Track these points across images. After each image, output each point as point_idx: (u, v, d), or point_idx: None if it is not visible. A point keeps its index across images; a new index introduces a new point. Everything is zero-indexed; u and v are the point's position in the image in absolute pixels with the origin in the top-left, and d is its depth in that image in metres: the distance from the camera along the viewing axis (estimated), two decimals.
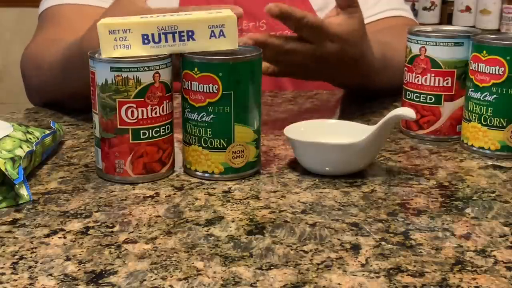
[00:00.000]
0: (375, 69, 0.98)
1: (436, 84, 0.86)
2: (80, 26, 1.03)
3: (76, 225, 0.62)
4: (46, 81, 1.00)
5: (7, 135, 0.73)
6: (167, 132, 0.73)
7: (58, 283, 0.52)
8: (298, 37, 0.86)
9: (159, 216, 0.64)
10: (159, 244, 0.58)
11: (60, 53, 0.94)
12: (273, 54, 0.85)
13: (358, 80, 1.00)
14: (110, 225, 0.62)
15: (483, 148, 0.82)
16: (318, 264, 0.55)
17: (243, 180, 0.74)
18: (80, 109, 0.98)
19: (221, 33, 0.72)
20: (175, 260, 0.55)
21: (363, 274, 0.53)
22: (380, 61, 1.02)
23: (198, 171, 0.74)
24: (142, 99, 0.70)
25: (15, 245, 0.58)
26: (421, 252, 0.57)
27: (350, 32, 0.88)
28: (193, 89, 0.71)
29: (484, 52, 0.80)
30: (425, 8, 2.63)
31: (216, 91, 0.70)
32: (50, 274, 0.53)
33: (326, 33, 0.86)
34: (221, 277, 0.53)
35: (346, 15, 0.88)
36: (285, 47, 0.85)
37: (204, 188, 0.71)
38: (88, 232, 0.61)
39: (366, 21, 1.18)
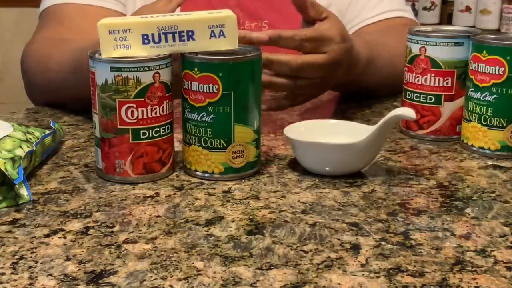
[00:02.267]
0: (362, 62, 0.97)
1: (436, 84, 0.86)
2: (82, 25, 1.03)
3: (76, 225, 0.62)
4: (54, 81, 0.99)
5: (7, 135, 0.73)
6: (167, 132, 0.73)
7: (58, 283, 0.52)
8: (305, 53, 0.85)
9: (159, 216, 0.64)
10: (159, 244, 0.58)
11: (71, 54, 0.93)
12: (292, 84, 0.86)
13: (354, 76, 0.98)
14: (110, 225, 0.62)
15: (483, 148, 0.82)
16: (318, 264, 0.55)
17: (243, 180, 0.73)
18: (80, 109, 0.98)
19: (221, 33, 0.72)
20: (175, 260, 0.55)
21: (363, 274, 0.53)
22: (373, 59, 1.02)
23: (198, 171, 0.74)
24: (142, 99, 0.70)
25: (15, 245, 0.58)
26: (421, 252, 0.57)
27: (341, 30, 0.88)
28: (193, 89, 0.71)
29: (484, 52, 0.80)
30: (425, 8, 2.63)
31: (216, 91, 0.70)
32: (50, 274, 0.53)
33: (327, 38, 0.85)
34: (221, 277, 0.53)
35: (324, 21, 0.87)
36: (295, 69, 0.85)
37: (204, 188, 0.71)
38: (88, 232, 0.61)
39: (367, 22, 1.19)
